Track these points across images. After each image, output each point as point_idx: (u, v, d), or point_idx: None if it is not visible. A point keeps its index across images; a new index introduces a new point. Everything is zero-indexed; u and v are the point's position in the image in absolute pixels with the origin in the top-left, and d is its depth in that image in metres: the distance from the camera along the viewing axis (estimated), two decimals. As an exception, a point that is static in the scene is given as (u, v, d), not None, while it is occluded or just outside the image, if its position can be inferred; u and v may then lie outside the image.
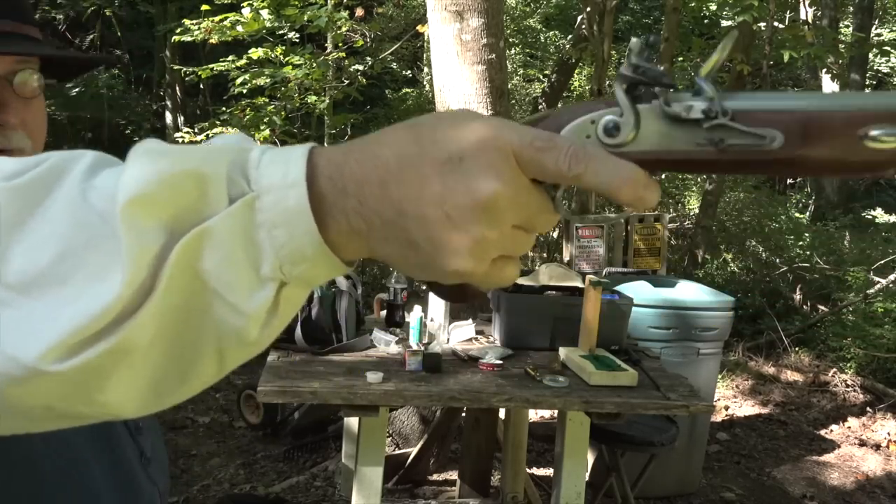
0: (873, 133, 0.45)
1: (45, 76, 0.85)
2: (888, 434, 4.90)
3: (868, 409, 5.25)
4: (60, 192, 0.42)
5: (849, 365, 5.76)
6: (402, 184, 0.43)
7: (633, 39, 0.49)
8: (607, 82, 5.60)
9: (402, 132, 0.45)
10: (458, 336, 2.86)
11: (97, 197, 0.42)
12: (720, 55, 0.48)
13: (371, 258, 0.47)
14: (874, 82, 14.43)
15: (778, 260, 7.50)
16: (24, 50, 0.82)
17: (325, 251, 0.44)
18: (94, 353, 0.41)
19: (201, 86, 10.53)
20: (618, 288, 3.16)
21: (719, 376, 5.00)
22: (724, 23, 7.34)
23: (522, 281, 2.91)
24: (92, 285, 0.41)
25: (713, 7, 7.02)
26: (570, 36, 9.12)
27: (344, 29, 6.43)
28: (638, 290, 3.51)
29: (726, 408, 5.24)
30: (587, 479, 2.97)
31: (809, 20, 8.04)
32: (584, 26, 5.89)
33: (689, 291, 3.84)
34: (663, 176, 8.55)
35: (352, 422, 3.16)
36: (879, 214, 11.29)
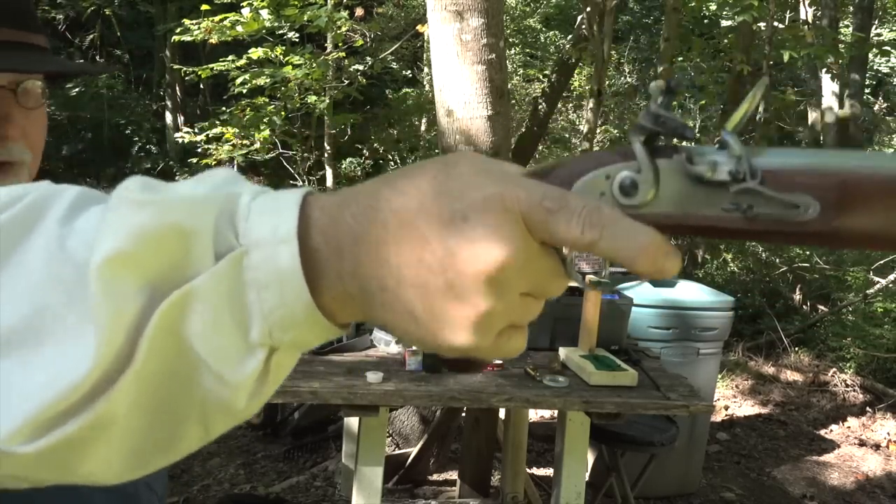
0: None
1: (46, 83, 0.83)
2: (888, 434, 4.90)
3: (868, 409, 5.25)
4: (39, 236, 0.39)
5: (848, 365, 5.76)
6: (401, 245, 0.38)
7: (652, 84, 0.43)
8: (607, 82, 5.61)
9: (402, 182, 0.40)
10: (458, 336, 2.86)
11: (76, 244, 0.38)
12: (749, 105, 0.43)
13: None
14: (874, 82, 14.45)
15: (778, 260, 7.50)
16: (29, 66, 0.81)
17: (317, 317, 0.40)
18: (67, 430, 0.37)
19: (201, 86, 10.55)
20: (618, 288, 3.16)
21: (719, 376, 5.00)
22: (725, 23, 7.35)
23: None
24: (65, 351, 0.37)
25: (713, 7, 7.02)
26: (570, 36, 9.12)
27: (344, 29, 6.44)
28: (638, 290, 3.51)
29: (726, 408, 5.24)
30: (587, 479, 2.97)
31: (809, 20, 8.05)
32: (584, 26, 5.88)
33: (689, 291, 3.84)
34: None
35: (352, 422, 3.16)
36: (879, 214, 11.28)
